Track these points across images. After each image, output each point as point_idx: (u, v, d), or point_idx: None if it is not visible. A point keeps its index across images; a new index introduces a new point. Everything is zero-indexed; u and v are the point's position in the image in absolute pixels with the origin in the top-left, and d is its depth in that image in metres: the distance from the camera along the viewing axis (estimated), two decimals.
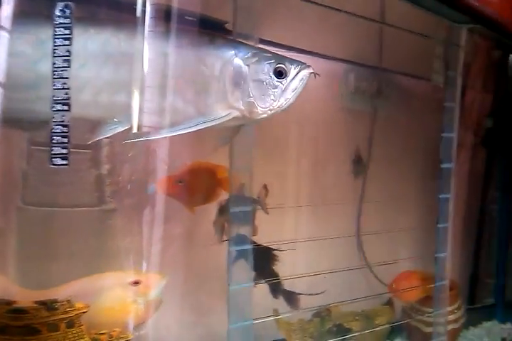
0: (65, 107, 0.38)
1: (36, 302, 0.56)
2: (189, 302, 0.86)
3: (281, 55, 0.54)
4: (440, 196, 0.86)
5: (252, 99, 0.51)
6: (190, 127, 0.49)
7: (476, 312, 1.27)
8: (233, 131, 0.57)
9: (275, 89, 0.51)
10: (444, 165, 0.85)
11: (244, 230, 0.65)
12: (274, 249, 0.74)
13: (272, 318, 0.69)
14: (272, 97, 0.51)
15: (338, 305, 0.91)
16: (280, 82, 0.51)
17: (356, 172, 1.08)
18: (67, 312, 0.59)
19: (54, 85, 0.38)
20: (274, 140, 0.90)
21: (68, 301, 0.59)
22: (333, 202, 1.07)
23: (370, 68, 1.05)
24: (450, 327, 1.01)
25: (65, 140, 0.38)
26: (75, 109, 0.42)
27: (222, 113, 0.50)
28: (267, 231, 0.91)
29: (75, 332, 0.67)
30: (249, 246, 0.66)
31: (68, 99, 0.38)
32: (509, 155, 1.32)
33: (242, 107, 0.51)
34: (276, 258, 0.73)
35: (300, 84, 0.52)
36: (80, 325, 0.67)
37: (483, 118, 1.25)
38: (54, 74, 0.38)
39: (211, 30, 0.75)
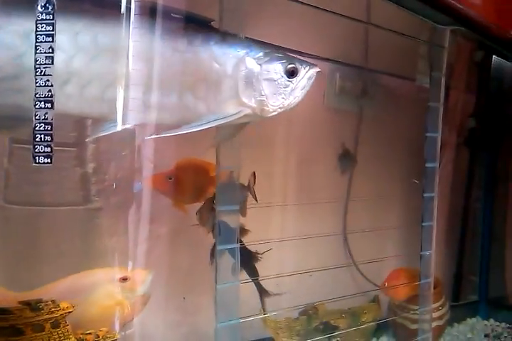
0: (48, 105, 0.38)
1: (20, 302, 0.56)
2: (175, 301, 0.86)
3: (290, 55, 0.56)
4: (424, 195, 0.87)
5: (263, 97, 0.52)
6: (204, 124, 0.50)
7: (460, 309, 1.30)
8: (237, 129, 0.58)
9: (286, 88, 0.53)
10: (429, 165, 0.87)
11: (231, 221, 0.65)
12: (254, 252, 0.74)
13: (259, 317, 0.69)
14: (283, 96, 0.53)
15: (325, 303, 0.91)
16: (291, 81, 0.53)
17: (343, 167, 1.08)
18: (52, 312, 0.58)
19: (37, 82, 0.38)
20: (260, 139, 0.90)
21: (53, 301, 0.58)
22: (319, 200, 1.08)
23: (355, 68, 1.06)
24: (435, 324, 1.03)
25: (49, 138, 0.38)
26: (82, 106, 0.44)
27: (233, 110, 0.51)
28: (253, 230, 0.92)
29: (60, 332, 0.66)
30: (236, 245, 0.66)
31: (51, 96, 0.38)
32: (492, 155, 1.34)
33: (253, 105, 0.52)
34: (256, 257, 0.73)
35: (308, 83, 0.54)
36: (65, 325, 0.66)
37: (466, 119, 1.27)
38: (36, 72, 0.38)
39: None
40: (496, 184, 1.35)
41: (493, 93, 1.29)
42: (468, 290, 1.37)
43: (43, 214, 0.66)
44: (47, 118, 0.38)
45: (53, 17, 0.38)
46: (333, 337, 0.88)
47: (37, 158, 0.39)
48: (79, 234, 0.70)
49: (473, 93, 1.27)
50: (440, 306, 1.06)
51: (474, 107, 1.29)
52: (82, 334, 0.67)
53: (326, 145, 1.09)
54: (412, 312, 0.97)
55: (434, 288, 1.03)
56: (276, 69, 0.52)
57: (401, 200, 1.18)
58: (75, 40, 0.43)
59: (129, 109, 0.46)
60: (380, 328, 1.05)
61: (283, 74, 0.52)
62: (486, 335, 1.20)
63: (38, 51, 0.38)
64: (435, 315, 1.04)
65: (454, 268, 1.34)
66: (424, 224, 0.88)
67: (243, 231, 0.93)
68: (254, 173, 0.72)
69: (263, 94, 0.52)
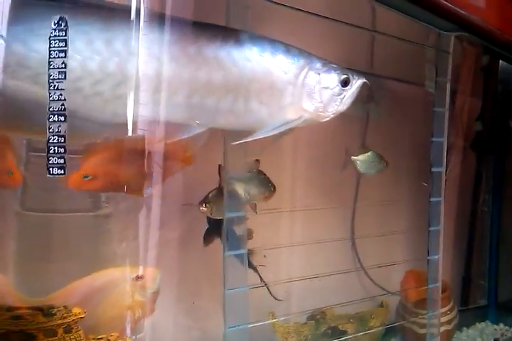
0: (61, 118, 0.39)
1: (33, 308, 0.57)
2: (185, 306, 0.87)
3: (341, 66, 0.61)
4: (431, 199, 0.88)
5: (320, 104, 0.57)
6: (272, 130, 0.55)
7: (469, 313, 1.29)
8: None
9: (339, 96, 0.58)
10: (435, 169, 0.87)
11: (238, 227, 0.66)
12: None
13: (267, 322, 0.69)
14: (337, 103, 0.59)
15: (333, 308, 0.92)
16: (344, 90, 0.59)
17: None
18: (65, 317, 0.59)
19: (50, 97, 0.39)
20: (267, 145, 0.91)
21: (65, 307, 0.59)
22: (327, 205, 1.09)
23: (361, 73, 1.07)
24: (443, 328, 1.03)
25: (62, 150, 0.39)
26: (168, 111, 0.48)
27: (294, 116, 0.57)
28: (262, 235, 0.93)
29: (72, 337, 0.67)
30: (244, 250, 0.67)
31: (64, 110, 0.39)
32: (499, 158, 1.34)
33: (311, 111, 0.57)
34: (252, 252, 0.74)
35: (356, 92, 0.60)
36: (77, 330, 0.68)
37: (472, 122, 1.27)
38: (50, 86, 0.39)
39: None
40: (503, 187, 1.34)
41: (500, 96, 1.29)
42: (478, 295, 1.36)
43: (57, 221, 0.67)
44: (60, 131, 0.40)
45: (66, 33, 0.40)
46: None
47: (51, 169, 0.40)
48: (89, 240, 0.71)
49: (479, 97, 1.27)
50: (448, 310, 1.06)
51: (481, 111, 1.29)
52: (93, 339, 0.68)
53: (333, 151, 1.09)
54: (420, 316, 0.97)
55: (443, 292, 1.03)
56: (333, 78, 0.57)
57: (408, 205, 1.19)
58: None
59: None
60: (388, 333, 1.05)
61: (338, 83, 0.58)
62: (496, 340, 1.19)
63: (51, 67, 0.39)
64: (443, 319, 1.04)
65: (463, 272, 1.34)
66: (431, 228, 0.88)
67: (249, 232, 0.93)
68: (258, 160, 0.73)
69: (320, 101, 0.57)
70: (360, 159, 0.93)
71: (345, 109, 1.04)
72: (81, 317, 0.67)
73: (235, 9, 0.59)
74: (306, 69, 0.56)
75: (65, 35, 0.40)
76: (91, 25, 0.45)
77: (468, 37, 0.88)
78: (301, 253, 1.01)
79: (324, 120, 0.60)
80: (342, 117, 1.09)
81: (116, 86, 0.45)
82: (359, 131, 1.12)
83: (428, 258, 0.89)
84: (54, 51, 0.40)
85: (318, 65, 0.57)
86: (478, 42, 0.93)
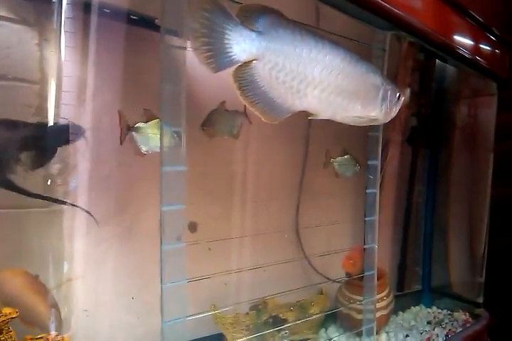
0: None
1: None
2: (127, 302, 0.86)
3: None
4: (367, 191, 0.91)
5: (387, 110, 0.78)
6: (354, 121, 0.76)
7: (405, 298, 1.37)
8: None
9: (396, 105, 0.80)
10: (371, 162, 0.91)
11: (176, 221, 0.65)
12: None
13: (206, 314, 0.70)
14: (394, 110, 0.80)
15: (275, 297, 0.94)
16: (398, 102, 0.80)
17: None
18: None
19: None
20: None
21: None
22: (274, 198, 1.10)
23: None
24: (380, 313, 1.08)
25: None
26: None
27: (373, 115, 0.76)
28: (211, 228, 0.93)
29: (3, 338, 0.65)
30: (182, 244, 0.66)
31: None
32: (434, 152, 1.42)
33: (383, 113, 0.78)
34: None
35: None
36: (8, 330, 0.65)
37: (408, 118, 1.34)
38: None
39: (142, 26, 0.76)
40: (437, 180, 1.43)
41: (433, 93, 1.37)
42: (413, 280, 1.45)
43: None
44: None
45: None
46: (282, 329, 0.91)
47: None
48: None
49: (414, 93, 1.34)
50: (385, 296, 1.11)
51: (416, 107, 1.36)
52: (31, 339, 0.66)
53: (281, 145, 1.11)
54: (357, 303, 1.01)
55: (379, 279, 1.08)
56: (395, 94, 0.79)
57: (349, 197, 1.23)
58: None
59: None
60: (328, 319, 1.09)
61: (396, 97, 0.80)
62: (429, 322, 1.26)
63: None
64: (380, 304, 1.09)
65: (399, 259, 1.41)
66: (367, 218, 0.92)
67: (193, 225, 0.96)
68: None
69: (388, 107, 0.78)
70: (339, 161, 1.01)
71: None
72: (12, 318, 0.64)
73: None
74: (383, 87, 0.77)
75: None
76: None
77: (404, 35, 0.92)
78: (248, 244, 1.03)
79: (385, 121, 0.81)
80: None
81: None
82: (304, 125, 1.14)
83: (364, 247, 0.93)
84: None
85: (387, 84, 0.78)
86: (415, 41, 0.97)
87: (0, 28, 0.59)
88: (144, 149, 0.69)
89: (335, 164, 0.99)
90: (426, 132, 1.38)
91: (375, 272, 0.95)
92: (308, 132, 1.15)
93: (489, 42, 1.16)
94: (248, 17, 0.58)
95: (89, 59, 0.61)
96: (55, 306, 0.61)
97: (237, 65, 0.57)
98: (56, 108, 0.44)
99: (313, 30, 0.66)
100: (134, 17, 0.71)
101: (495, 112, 1.32)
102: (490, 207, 1.32)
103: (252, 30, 0.57)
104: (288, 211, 1.16)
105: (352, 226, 1.23)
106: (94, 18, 0.49)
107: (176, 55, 0.64)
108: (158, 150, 0.60)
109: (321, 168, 1.12)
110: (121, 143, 0.68)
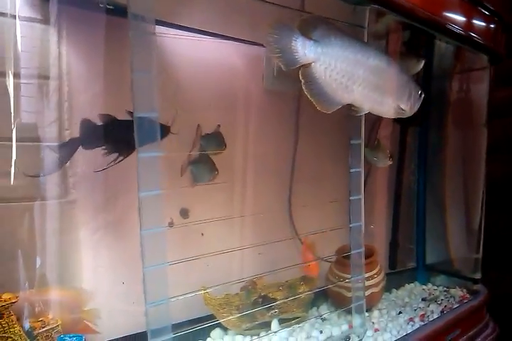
0: None
1: None
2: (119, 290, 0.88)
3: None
4: (351, 170, 0.92)
5: (413, 104, 0.91)
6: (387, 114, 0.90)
7: (399, 275, 1.38)
8: None
9: (418, 101, 0.92)
10: (353, 142, 0.91)
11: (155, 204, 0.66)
12: None
13: (188, 295, 0.71)
14: (416, 105, 0.92)
15: (264, 278, 0.95)
16: (420, 99, 0.92)
17: None
18: None
19: None
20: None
21: None
22: (266, 180, 1.11)
23: None
24: (371, 291, 1.10)
25: None
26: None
27: (403, 108, 0.89)
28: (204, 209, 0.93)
29: (4, 322, 0.67)
30: (162, 228, 0.67)
31: None
32: (423, 129, 1.41)
33: (409, 107, 0.90)
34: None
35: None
36: (9, 315, 0.68)
37: None
38: None
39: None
40: (428, 157, 1.42)
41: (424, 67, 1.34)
42: (408, 258, 1.45)
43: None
44: None
45: None
46: (272, 308, 0.93)
47: None
48: None
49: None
50: (375, 274, 1.12)
51: None
52: (34, 321, 0.69)
53: (269, 128, 1.11)
54: (345, 280, 1.03)
55: (369, 256, 1.09)
56: (418, 91, 0.91)
57: (338, 178, 1.23)
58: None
59: None
60: (319, 298, 1.11)
61: (419, 94, 0.91)
62: (424, 299, 1.27)
63: None
64: (371, 282, 1.10)
65: (393, 237, 1.42)
66: (351, 197, 0.92)
67: (184, 211, 0.98)
68: (199, 125, 0.88)
69: (413, 102, 0.90)
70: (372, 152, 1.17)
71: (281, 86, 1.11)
72: (12, 303, 0.67)
73: None
74: (409, 85, 0.90)
75: None
76: None
77: (385, 11, 0.90)
78: (245, 224, 1.04)
79: (410, 115, 0.93)
80: (274, 95, 1.12)
81: None
82: (293, 111, 1.14)
83: (350, 225, 0.93)
84: None
85: (412, 83, 0.91)
86: (397, 17, 0.95)
87: None
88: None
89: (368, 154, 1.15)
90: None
91: (363, 250, 0.96)
92: (298, 117, 1.15)
93: (482, 17, 1.13)
94: (306, 29, 0.74)
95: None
96: None
97: (300, 65, 0.74)
98: None
99: (357, 37, 0.84)
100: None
101: (487, 86, 1.30)
102: (485, 181, 1.31)
103: (310, 39, 0.74)
104: (281, 192, 1.16)
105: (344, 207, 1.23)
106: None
107: (145, 42, 0.64)
108: None
109: (310, 149, 1.13)
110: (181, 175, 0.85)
